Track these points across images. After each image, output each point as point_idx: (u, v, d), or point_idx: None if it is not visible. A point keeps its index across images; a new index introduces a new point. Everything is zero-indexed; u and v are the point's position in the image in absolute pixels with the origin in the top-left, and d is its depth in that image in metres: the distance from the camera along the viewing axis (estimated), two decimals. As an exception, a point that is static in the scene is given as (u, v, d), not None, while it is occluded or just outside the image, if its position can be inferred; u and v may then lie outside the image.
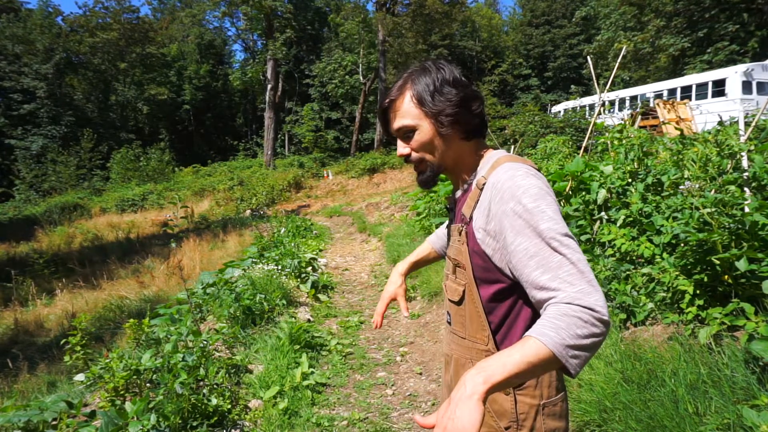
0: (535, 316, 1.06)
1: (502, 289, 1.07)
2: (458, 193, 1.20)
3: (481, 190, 1.08)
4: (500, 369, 0.81)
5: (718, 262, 2.63)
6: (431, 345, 4.42)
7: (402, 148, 1.17)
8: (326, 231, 12.55)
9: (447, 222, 1.44)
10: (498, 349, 1.09)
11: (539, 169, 1.09)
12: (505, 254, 1.01)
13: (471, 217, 1.09)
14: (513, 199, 0.98)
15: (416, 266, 1.53)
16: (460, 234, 1.12)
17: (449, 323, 1.23)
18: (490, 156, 1.15)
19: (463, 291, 1.13)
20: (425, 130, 1.12)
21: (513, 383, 0.83)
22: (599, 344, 0.86)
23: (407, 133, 1.14)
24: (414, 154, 1.16)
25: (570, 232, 0.94)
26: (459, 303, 1.15)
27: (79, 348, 3.74)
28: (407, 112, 1.12)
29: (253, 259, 7.07)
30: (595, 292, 0.87)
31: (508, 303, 1.08)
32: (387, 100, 1.15)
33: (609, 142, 4.60)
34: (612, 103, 18.37)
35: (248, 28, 35.74)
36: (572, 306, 0.86)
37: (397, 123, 1.15)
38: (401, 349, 4.41)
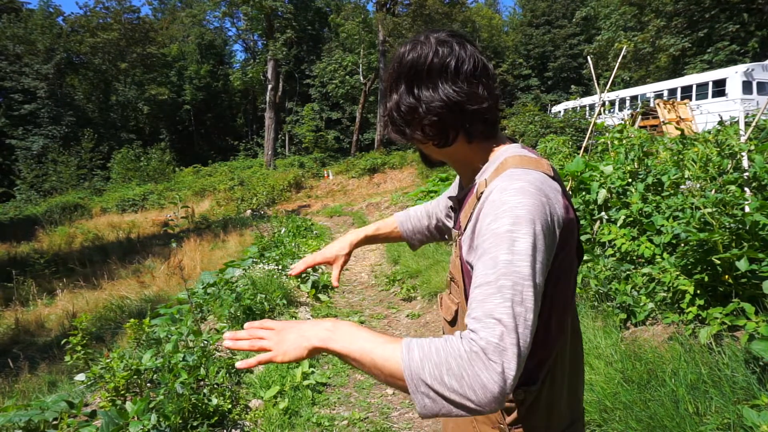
0: (537, 339, 0.83)
1: None
2: (463, 193, 1.05)
3: (479, 199, 0.90)
4: (346, 343, 0.77)
5: (718, 262, 2.63)
6: (431, 345, 4.41)
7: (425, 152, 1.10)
8: (327, 231, 12.55)
9: (436, 206, 1.33)
10: None
11: (556, 172, 0.94)
12: None
13: (465, 227, 0.93)
14: (491, 216, 0.81)
15: (372, 240, 1.32)
16: (455, 244, 1.00)
17: None
18: (502, 153, 0.95)
19: (456, 311, 0.99)
20: (424, 147, 1.05)
21: (348, 363, 0.79)
22: (471, 412, 0.69)
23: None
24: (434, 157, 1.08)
25: (536, 279, 0.76)
26: (452, 323, 1.01)
27: (79, 348, 3.74)
28: (388, 92, 1.05)
29: (254, 259, 7.08)
30: (506, 366, 0.69)
31: None
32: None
33: (609, 142, 4.60)
34: (612, 103, 18.37)
35: (249, 29, 35.77)
36: (474, 355, 0.69)
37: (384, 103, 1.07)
38: (401, 349, 4.40)
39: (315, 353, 0.80)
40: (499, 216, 0.80)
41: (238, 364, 0.81)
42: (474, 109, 0.92)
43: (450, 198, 1.14)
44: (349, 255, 1.25)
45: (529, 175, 0.86)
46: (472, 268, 0.86)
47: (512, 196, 0.82)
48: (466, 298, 0.91)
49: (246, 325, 0.86)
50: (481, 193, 0.90)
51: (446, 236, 1.34)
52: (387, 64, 1.03)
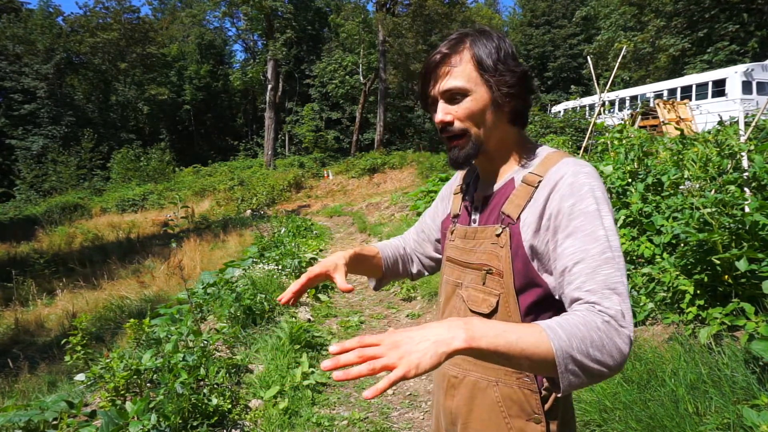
0: None
1: (542, 299, 0.95)
2: (495, 187, 1.04)
3: (536, 188, 0.95)
4: (491, 339, 0.73)
5: (718, 262, 2.63)
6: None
7: (444, 113, 0.99)
8: (326, 231, 12.55)
9: (423, 225, 1.30)
10: None
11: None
12: (552, 256, 0.91)
13: (518, 218, 0.96)
14: (575, 197, 0.89)
15: (359, 260, 1.19)
16: (498, 236, 0.98)
17: None
18: (541, 150, 1.02)
19: (497, 301, 0.97)
20: (479, 97, 0.97)
21: (490, 359, 0.75)
22: (601, 379, 0.78)
23: (456, 95, 0.98)
24: (457, 123, 0.99)
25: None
26: (489, 315, 0.98)
27: (79, 348, 3.74)
28: (463, 73, 0.97)
29: (254, 259, 7.08)
30: (630, 328, 0.80)
31: (548, 316, 0.91)
32: (439, 55, 0.98)
33: (609, 142, 4.60)
34: (612, 103, 18.37)
35: (248, 29, 35.74)
36: (608, 324, 0.78)
37: (448, 83, 0.97)
38: (401, 349, 4.40)
39: (451, 357, 0.72)
40: (583, 197, 0.89)
41: (366, 394, 0.67)
42: (532, 87, 1.03)
43: (472, 196, 1.10)
44: (347, 265, 1.16)
45: (586, 164, 0.94)
46: (534, 252, 0.94)
47: (587, 179, 0.91)
48: (517, 285, 0.95)
49: (344, 344, 0.72)
50: (538, 182, 0.95)
51: (423, 266, 1.32)
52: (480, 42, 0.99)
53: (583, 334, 0.76)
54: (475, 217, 1.07)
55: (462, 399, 1.03)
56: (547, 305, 0.96)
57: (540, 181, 0.95)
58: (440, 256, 1.26)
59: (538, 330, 0.76)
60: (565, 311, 0.87)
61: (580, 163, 0.94)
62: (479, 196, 1.08)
